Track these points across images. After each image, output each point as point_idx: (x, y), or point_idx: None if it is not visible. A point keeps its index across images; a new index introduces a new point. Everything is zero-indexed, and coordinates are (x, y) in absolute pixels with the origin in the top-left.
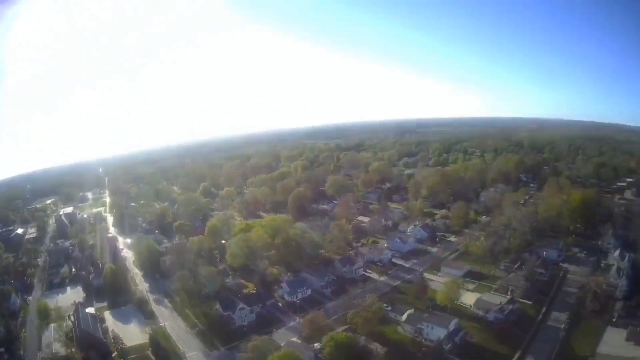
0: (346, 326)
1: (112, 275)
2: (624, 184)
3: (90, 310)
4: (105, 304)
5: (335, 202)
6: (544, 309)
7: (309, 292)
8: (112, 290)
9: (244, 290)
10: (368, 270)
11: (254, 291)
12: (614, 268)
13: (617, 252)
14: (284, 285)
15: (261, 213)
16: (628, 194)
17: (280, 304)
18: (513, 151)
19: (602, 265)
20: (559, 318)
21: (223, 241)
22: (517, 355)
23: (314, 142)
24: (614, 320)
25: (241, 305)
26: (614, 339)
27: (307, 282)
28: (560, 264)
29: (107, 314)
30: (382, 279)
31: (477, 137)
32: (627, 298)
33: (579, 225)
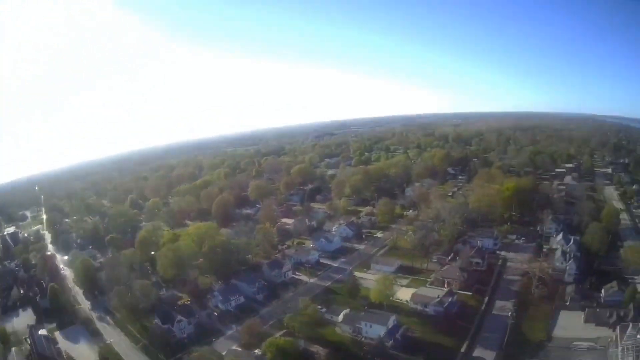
0: (284, 330)
1: (56, 295)
2: (564, 170)
3: (43, 332)
4: (55, 324)
5: (259, 206)
6: (486, 299)
7: (242, 299)
8: (59, 310)
9: (179, 302)
10: (297, 273)
11: (189, 302)
12: (558, 252)
13: (559, 237)
14: (216, 294)
15: (187, 222)
16: (569, 179)
17: (215, 313)
18: (438, 146)
19: (545, 250)
20: (505, 306)
21: (153, 252)
22: (464, 347)
23: (235, 149)
24: (567, 304)
25: (179, 317)
26: (571, 322)
27: (239, 289)
28: (497, 252)
29: (58, 335)
30: (312, 280)
31: (398, 134)
32: (577, 281)
33: (514, 213)
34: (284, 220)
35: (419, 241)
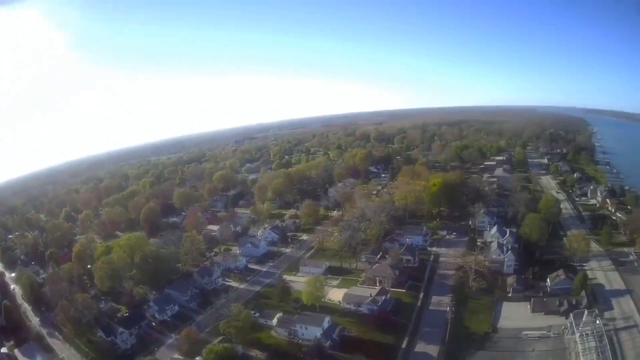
0: (221, 337)
1: (9, 313)
2: (494, 163)
3: (4, 350)
4: (12, 342)
5: (184, 214)
6: (421, 295)
7: (176, 308)
8: (13, 328)
9: (119, 314)
10: (227, 279)
11: (127, 314)
12: (494, 245)
13: (494, 229)
14: (152, 304)
15: (118, 233)
16: (499, 172)
17: (154, 324)
18: (359, 145)
19: (479, 244)
20: (442, 301)
21: (89, 266)
22: (404, 343)
23: (158, 157)
24: (509, 295)
25: (120, 329)
26: (516, 313)
27: (173, 298)
28: (428, 248)
29: (17, 352)
30: (242, 286)
31: (319, 135)
32: (518, 272)
33: (443, 209)
34: (210, 227)
35: (346, 241)
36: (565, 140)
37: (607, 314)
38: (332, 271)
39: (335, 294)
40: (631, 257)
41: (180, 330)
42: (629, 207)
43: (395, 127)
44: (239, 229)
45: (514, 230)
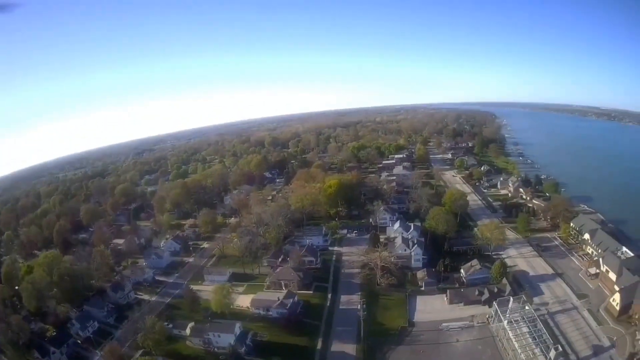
0: (141, 350)
1: None
2: (393, 161)
3: None
4: None
5: (91, 229)
6: (329, 295)
7: (96, 324)
8: None
9: (47, 334)
10: (138, 293)
11: (55, 333)
12: (398, 240)
13: (397, 225)
14: (74, 322)
15: (36, 252)
16: (399, 170)
17: (79, 341)
18: (254, 152)
19: (383, 240)
20: (351, 300)
21: (17, 287)
22: (319, 344)
23: (66, 174)
24: (422, 289)
25: (52, 349)
26: (432, 306)
27: (92, 315)
28: (330, 248)
29: None
30: (153, 298)
31: (214, 144)
32: (427, 266)
33: (341, 209)
34: (116, 241)
35: (246, 247)
36: (471, 134)
37: (537, 299)
38: (236, 277)
39: (243, 300)
40: (555, 242)
41: (103, 346)
42: (547, 194)
43: (290, 131)
44: (142, 241)
45: (419, 224)
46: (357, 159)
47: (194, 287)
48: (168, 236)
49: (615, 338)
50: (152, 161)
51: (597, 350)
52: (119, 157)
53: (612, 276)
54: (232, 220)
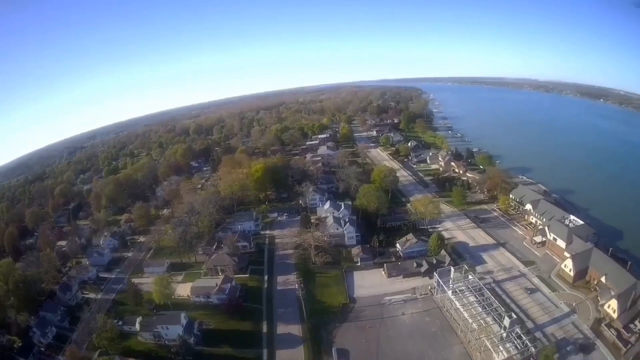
0: (99, 350)
1: None
2: (317, 142)
3: None
4: None
5: (36, 234)
6: (265, 277)
7: (54, 329)
8: None
9: (15, 345)
10: (85, 292)
11: (21, 343)
12: (330, 219)
13: (327, 205)
14: (35, 330)
15: None
16: (323, 150)
17: (42, 349)
18: (179, 141)
19: (314, 221)
20: (288, 280)
21: None
22: (264, 327)
23: (9, 180)
24: (358, 264)
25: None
26: (370, 281)
27: (48, 320)
28: (262, 232)
29: None
30: (99, 296)
31: (141, 136)
32: (361, 242)
33: (269, 193)
34: (60, 243)
35: (180, 237)
36: (397, 111)
37: (480, 268)
38: (174, 267)
39: (183, 289)
40: (495, 214)
41: (63, 351)
42: (481, 167)
43: (214, 117)
44: (83, 240)
45: (349, 203)
46: (281, 141)
47: (136, 281)
48: (106, 233)
49: (574, 304)
50: (84, 159)
51: (556, 316)
52: (54, 159)
53: (561, 243)
54: (165, 211)
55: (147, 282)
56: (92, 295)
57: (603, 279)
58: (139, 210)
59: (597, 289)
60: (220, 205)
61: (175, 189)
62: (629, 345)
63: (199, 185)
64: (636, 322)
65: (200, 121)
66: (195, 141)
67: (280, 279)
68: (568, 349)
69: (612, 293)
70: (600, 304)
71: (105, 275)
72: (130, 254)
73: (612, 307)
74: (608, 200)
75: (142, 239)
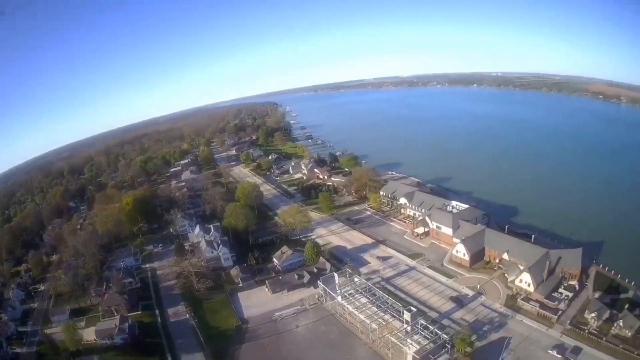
0: None
1: None
2: (180, 168)
3: None
4: None
5: None
6: (157, 311)
7: None
8: None
9: None
10: (12, 347)
11: None
12: (203, 244)
13: (197, 230)
14: None
15: None
16: (187, 175)
17: None
18: (57, 184)
19: (188, 247)
20: (178, 311)
21: None
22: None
23: None
24: (240, 285)
25: None
26: (256, 300)
27: None
28: (142, 266)
29: None
30: (24, 350)
31: (24, 182)
32: (238, 262)
33: (142, 225)
34: None
35: (73, 281)
36: (254, 127)
37: (364, 269)
38: (74, 313)
39: (88, 334)
40: (368, 213)
41: None
42: (347, 169)
43: (82, 157)
44: None
45: (218, 224)
46: (146, 172)
47: (48, 331)
48: (13, 285)
49: (479, 286)
50: None
51: (461, 301)
52: None
53: (447, 230)
54: (54, 257)
55: (57, 332)
56: (19, 350)
57: (505, 256)
58: (33, 258)
59: (502, 267)
60: (100, 244)
61: (59, 232)
62: (560, 312)
63: (78, 226)
64: (560, 289)
65: (72, 162)
66: (70, 182)
67: (170, 311)
68: (485, 328)
69: (521, 267)
70: (509, 280)
71: (22, 328)
72: (36, 304)
73: (525, 281)
74: (492, 180)
75: (42, 287)
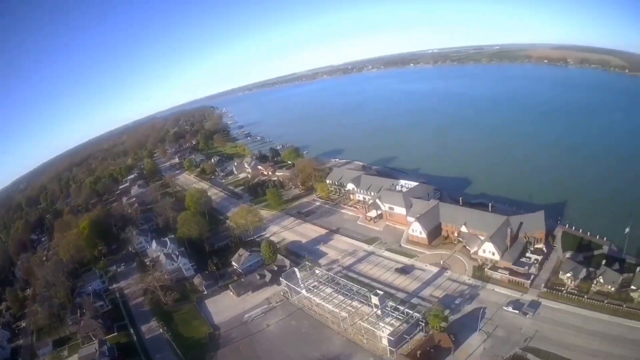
0: None
1: None
2: (128, 183)
3: None
4: None
5: None
6: (131, 330)
7: None
8: None
9: None
10: None
11: None
12: (162, 258)
13: (154, 244)
14: None
15: None
16: (135, 190)
17: None
18: (18, 217)
19: (148, 263)
20: (151, 327)
21: None
22: None
23: None
24: (205, 293)
25: None
26: (223, 305)
27: None
28: (109, 288)
29: None
30: None
31: None
32: (199, 270)
33: (101, 247)
34: None
35: (49, 313)
36: (193, 132)
37: (323, 261)
38: (57, 344)
39: None
40: (317, 203)
41: None
42: (289, 162)
43: (37, 186)
44: None
45: (172, 236)
46: (97, 192)
47: None
48: None
49: (442, 261)
50: None
51: (427, 279)
52: None
53: (400, 210)
54: (28, 291)
55: None
56: None
57: (464, 229)
58: (10, 295)
59: (461, 240)
60: (67, 272)
61: (28, 265)
62: (532, 277)
63: (44, 257)
64: (527, 254)
65: (28, 193)
66: (29, 214)
67: (144, 328)
68: (457, 302)
69: (482, 238)
70: (472, 252)
71: None
72: (21, 342)
73: (488, 250)
74: (439, 155)
75: (23, 324)
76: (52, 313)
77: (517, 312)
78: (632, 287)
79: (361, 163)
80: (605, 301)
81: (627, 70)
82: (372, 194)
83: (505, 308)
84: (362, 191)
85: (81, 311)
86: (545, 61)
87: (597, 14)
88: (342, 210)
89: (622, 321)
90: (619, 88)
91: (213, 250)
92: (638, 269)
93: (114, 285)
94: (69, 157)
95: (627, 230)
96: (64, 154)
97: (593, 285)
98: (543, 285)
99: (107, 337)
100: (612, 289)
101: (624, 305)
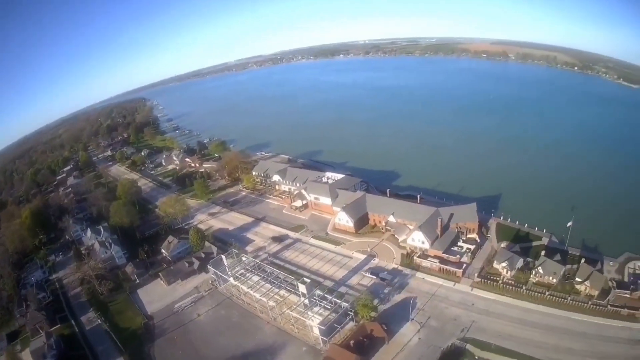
0: None
1: None
2: (64, 175)
3: None
4: None
5: None
6: (72, 322)
7: None
8: None
9: None
10: None
11: None
12: (96, 246)
13: (89, 232)
14: None
15: None
16: (71, 180)
17: None
18: None
19: (84, 251)
20: (90, 318)
21: None
22: None
23: None
24: (137, 282)
25: None
26: (155, 294)
27: None
28: (50, 278)
29: None
30: None
31: None
32: (131, 259)
33: (42, 237)
34: None
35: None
36: (125, 125)
37: (250, 248)
38: (10, 338)
39: (26, 356)
40: (243, 194)
41: None
42: (216, 154)
43: None
44: None
45: (106, 224)
46: (37, 183)
47: None
48: None
49: (370, 249)
50: None
51: (355, 266)
52: None
53: (326, 200)
54: None
55: None
56: None
57: (392, 219)
58: None
59: (389, 229)
60: (12, 263)
61: None
62: (465, 266)
63: None
64: (459, 243)
65: None
66: None
67: (84, 319)
68: (386, 291)
69: (410, 227)
70: (400, 240)
71: None
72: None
73: (417, 239)
74: (366, 149)
75: None
76: (1, 306)
77: (374, 277)
78: (577, 278)
79: (287, 157)
80: (547, 293)
81: (575, 68)
82: (298, 185)
83: (363, 273)
84: (287, 182)
85: (26, 303)
86: (484, 55)
87: (544, 13)
88: (268, 200)
89: (568, 314)
90: (564, 85)
91: (144, 237)
92: (582, 260)
93: (54, 276)
94: (15, 149)
95: (569, 223)
96: (12, 145)
97: (532, 276)
98: (477, 275)
99: (51, 329)
100: (554, 280)
101: (569, 298)
